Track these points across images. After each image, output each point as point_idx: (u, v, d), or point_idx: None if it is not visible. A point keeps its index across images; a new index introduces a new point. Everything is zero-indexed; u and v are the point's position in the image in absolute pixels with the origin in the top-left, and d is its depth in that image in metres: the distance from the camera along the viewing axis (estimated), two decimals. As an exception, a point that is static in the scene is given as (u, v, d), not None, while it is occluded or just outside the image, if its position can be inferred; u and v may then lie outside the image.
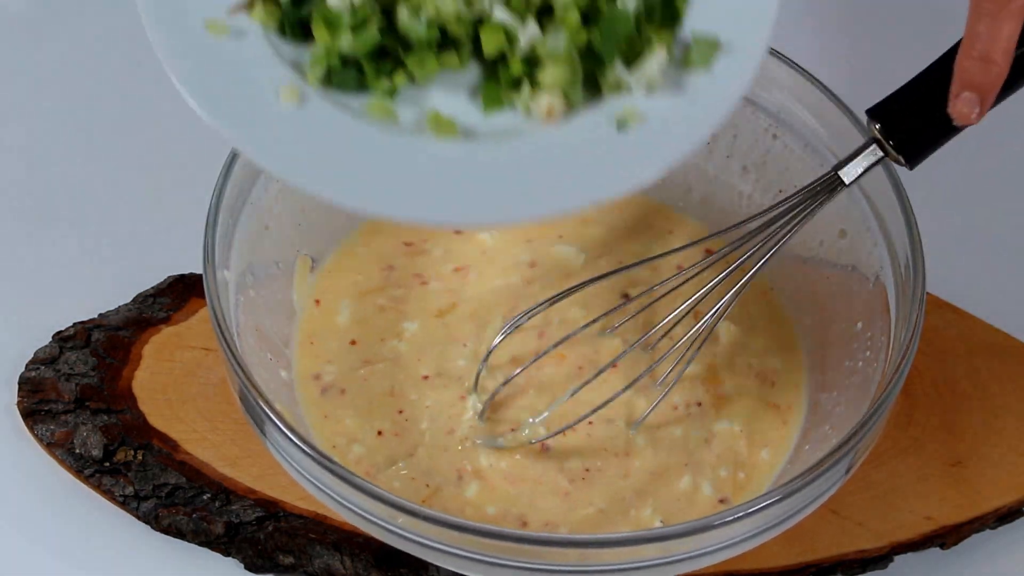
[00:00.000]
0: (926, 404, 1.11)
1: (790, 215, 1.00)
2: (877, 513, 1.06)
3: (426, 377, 1.07)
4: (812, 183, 1.00)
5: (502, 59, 0.90)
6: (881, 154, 0.98)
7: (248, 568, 1.06)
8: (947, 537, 1.06)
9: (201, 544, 1.06)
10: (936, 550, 1.07)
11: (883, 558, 1.05)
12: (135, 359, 1.12)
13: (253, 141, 0.87)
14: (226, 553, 1.06)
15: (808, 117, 1.08)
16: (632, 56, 0.89)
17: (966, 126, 0.95)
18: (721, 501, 1.02)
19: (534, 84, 0.89)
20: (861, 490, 1.07)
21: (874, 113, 0.98)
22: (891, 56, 1.33)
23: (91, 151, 1.28)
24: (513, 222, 0.93)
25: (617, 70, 0.89)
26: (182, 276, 1.16)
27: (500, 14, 0.89)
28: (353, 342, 1.09)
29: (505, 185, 0.87)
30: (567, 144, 0.88)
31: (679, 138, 0.87)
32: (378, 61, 0.90)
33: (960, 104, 0.93)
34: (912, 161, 0.98)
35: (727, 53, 0.90)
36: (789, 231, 1.00)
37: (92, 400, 1.10)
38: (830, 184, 1.00)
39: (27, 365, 1.12)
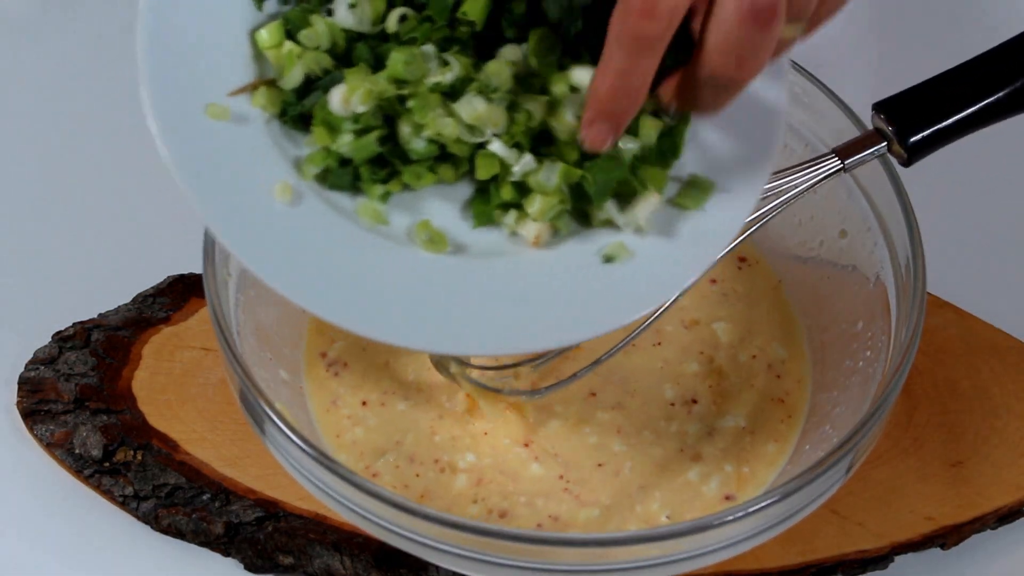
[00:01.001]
0: (926, 404, 1.11)
1: (779, 189, 1.00)
2: (877, 513, 1.06)
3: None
4: (808, 161, 1.00)
5: (495, 179, 0.91)
6: (884, 146, 0.98)
7: (248, 568, 1.06)
8: (947, 537, 1.06)
9: (201, 544, 1.06)
10: (936, 550, 1.07)
11: (883, 558, 1.05)
12: (135, 359, 1.12)
13: (243, 243, 0.88)
14: (226, 553, 1.06)
15: (808, 117, 1.08)
16: (624, 197, 0.90)
17: (966, 131, 0.95)
18: (727, 498, 1.02)
19: (523, 211, 0.90)
20: (861, 490, 1.07)
21: (882, 107, 0.98)
22: (891, 57, 1.33)
23: (91, 151, 1.28)
24: (490, 354, 0.94)
25: (607, 210, 0.90)
26: (182, 276, 1.16)
27: (497, 147, 0.89)
28: None
29: (487, 317, 0.88)
30: (553, 273, 0.90)
31: (664, 280, 0.89)
32: (375, 167, 0.91)
33: (593, 132, 0.87)
34: (912, 157, 0.98)
35: (721, 191, 0.91)
36: (777, 206, 0.99)
37: (92, 400, 1.10)
38: (825, 164, 0.99)
39: (27, 365, 1.12)
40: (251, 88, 0.91)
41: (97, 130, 1.29)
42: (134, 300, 1.16)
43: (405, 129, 0.89)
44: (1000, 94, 0.97)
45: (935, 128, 0.97)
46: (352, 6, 0.91)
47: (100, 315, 1.15)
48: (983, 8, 1.35)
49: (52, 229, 1.23)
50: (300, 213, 0.90)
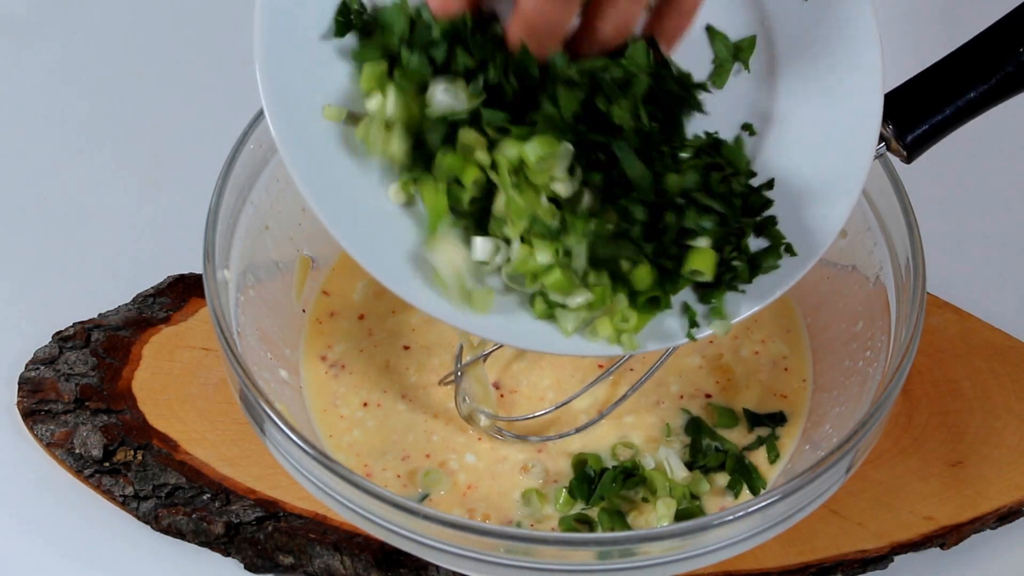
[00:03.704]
0: (926, 404, 1.11)
1: None
2: (877, 513, 1.06)
3: (407, 347, 1.08)
4: None
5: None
6: (882, 146, 0.98)
7: (248, 568, 1.06)
8: (947, 537, 1.06)
9: (201, 544, 1.06)
10: (936, 550, 1.07)
11: (883, 558, 1.05)
12: (135, 359, 1.12)
13: (360, 245, 0.89)
14: (226, 553, 1.06)
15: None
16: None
17: (963, 120, 0.95)
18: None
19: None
20: (861, 490, 1.07)
21: None
22: (891, 57, 1.33)
23: (91, 151, 1.28)
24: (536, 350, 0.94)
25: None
26: (182, 276, 1.16)
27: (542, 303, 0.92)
28: (361, 316, 1.09)
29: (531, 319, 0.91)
30: None
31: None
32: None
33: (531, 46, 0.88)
34: (912, 154, 0.98)
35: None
36: None
37: (92, 400, 1.10)
38: None
39: (27, 365, 1.12)
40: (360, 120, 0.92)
41: (97, 130, 1.29)
42: (134, 300, 1.16)
43: (499, 201, 0.90)
44: (992, 79, 0.96)
45: (932, 122, 0.97)
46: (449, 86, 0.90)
47: (100, 315, 1.15)
48: (974, 3, 1.35)
49: (52, 229, 1.23)
50: (413, 214, 0.91)
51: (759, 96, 0.96)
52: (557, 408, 1.05)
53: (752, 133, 0.95)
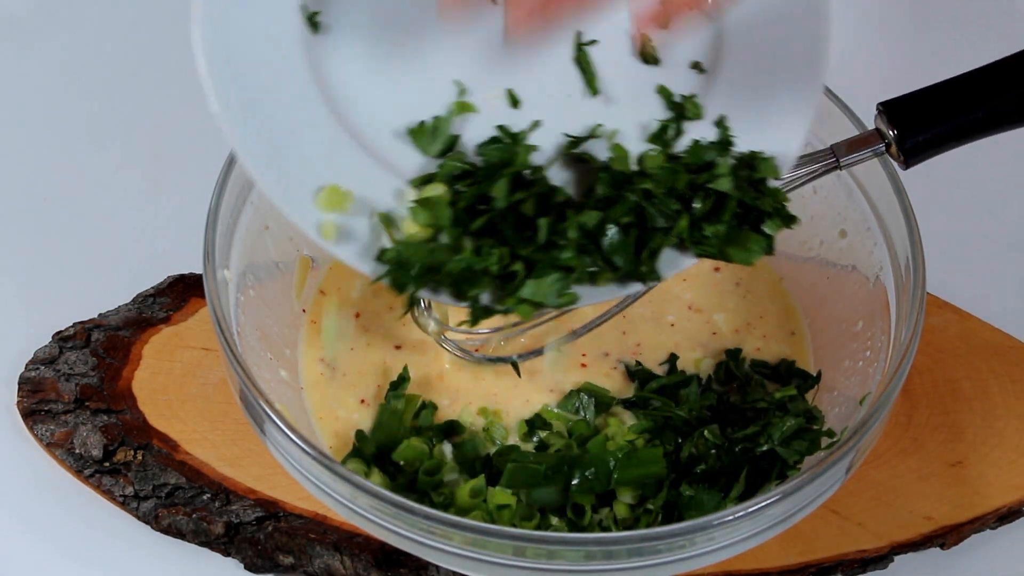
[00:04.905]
0: (926, 404, 1.11)
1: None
2: (877, 513, 1.06)
3: (398, 347, 1.08)
4: (806, 155, 0.99)
5: None
6: (882, 147, 0.98)
7: (248, 568, 1.06)
8: (947, 537, 1.06)
9: (201, 544, 1.06)
10: (936, 550, 1.07)
11: (883, 558, 1.05)
12: (135, 359, 1.12)
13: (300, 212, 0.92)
14: (226, 553, 1.06)
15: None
16: None
17: (965, 138, 0.96)
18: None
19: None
20: (861, 490, 1.07)
21: (886, 107, 0.98)
22: (892, 58, 1.33)
23: (91, 151, 1.28)
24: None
25: None
26: (182, 276, 1.17)
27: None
28: (357, 314, 1.09)
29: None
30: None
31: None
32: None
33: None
34: (910, 160, 0.97)
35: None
36: None
37: (92, 400, 1.10)
38: (823, 160, 0.99)
39: (27, 365, 1.12)
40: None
41: (97, 131, 1.29)
42: (134, 300, 1.16)
43: None
44: (1005, 104, 0.96)
45: (934, 132, 0.97)
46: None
47: (100, 315, 1.15)
48: (1002, 11, 1.35)
49: (52, 229, 1.23)
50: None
51: (707, 33, 0.96)
52: (514, 328, 1.05)
53: (701, 71, 0.95)
